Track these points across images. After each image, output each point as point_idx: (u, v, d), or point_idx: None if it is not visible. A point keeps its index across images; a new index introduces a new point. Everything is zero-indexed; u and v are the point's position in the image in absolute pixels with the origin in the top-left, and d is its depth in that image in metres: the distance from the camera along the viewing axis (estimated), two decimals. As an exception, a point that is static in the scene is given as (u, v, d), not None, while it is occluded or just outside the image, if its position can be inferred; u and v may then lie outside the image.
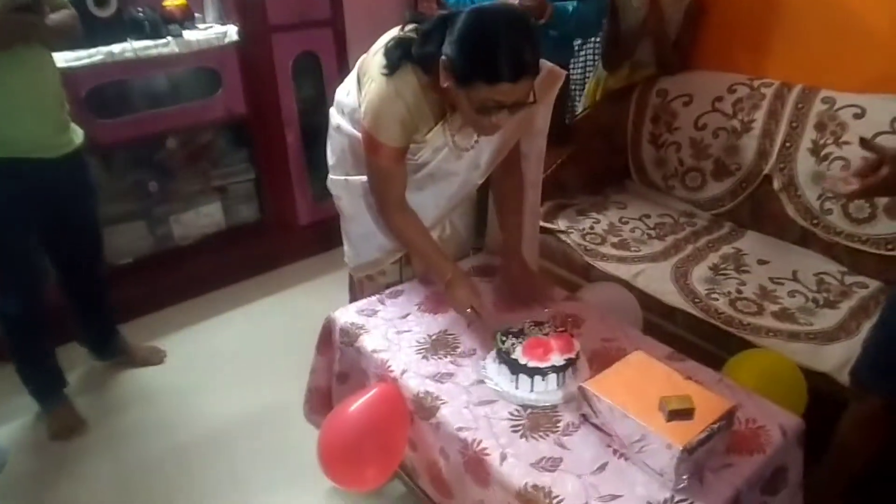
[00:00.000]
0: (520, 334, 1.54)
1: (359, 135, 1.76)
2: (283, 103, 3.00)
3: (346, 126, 1.83)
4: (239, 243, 3.13)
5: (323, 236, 3.17)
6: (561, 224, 2.54)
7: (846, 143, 2.25)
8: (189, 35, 2.76)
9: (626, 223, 2.57)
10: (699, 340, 2.03)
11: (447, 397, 1.49)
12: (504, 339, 1.54)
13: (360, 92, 1.73)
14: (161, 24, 2.73)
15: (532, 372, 1.45)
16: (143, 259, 2.95)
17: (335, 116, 1.89)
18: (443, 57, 1.46)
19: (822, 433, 1.62)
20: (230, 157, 3.13)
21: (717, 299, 2.09)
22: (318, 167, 3.11)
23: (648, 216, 2.61)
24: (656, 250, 2.38)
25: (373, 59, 1.64)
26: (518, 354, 1.49)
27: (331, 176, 1.95)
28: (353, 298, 2.11)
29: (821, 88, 2.37)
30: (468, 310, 1.66)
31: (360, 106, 1.71)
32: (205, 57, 2.81)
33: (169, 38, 2.72)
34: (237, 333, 2.80)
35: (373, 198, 1.78)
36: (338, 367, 1.80)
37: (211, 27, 2.86)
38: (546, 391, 1.46)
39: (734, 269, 2.26)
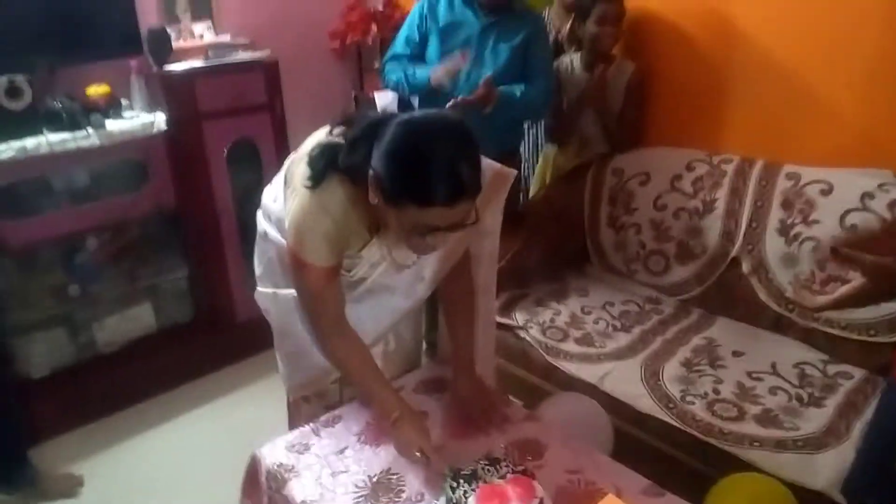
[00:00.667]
0: (472, 478, 1.32)
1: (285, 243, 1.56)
2: (217, 193, 2.80)
3: (274, 234, 1.62)
4: (170, 347, 2.86)
5: (263, 333, 2.90)
6: (519, 318, 2.35)
7: (815, 221, 2.12)
8: (113, 125, 2.56)
9: (589, 313, 2.38)
10: (677, 452, 1.82)
11: (389, 564, 1.25)
12: (454, 484, 1.31)
13: (286, 201, 1.53)
14: (81, 115, 2.53)
15: (488, 529, 1.22)
16: (61, 370, 2.65)
17: (262, 222, 1.69)
18: (372, 171, 1.27)
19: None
20: (160, 253, 2.88)
21: (693, 402, 1.89)
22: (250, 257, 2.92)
23: (612, 304, 2.43)
24: (622, 345, 2.19)
25: (297, 168, 1.44)
26: (471, 506, 1.26)
27: (259, 288, 1.73)
28: (291, 420, 1.87)
29: (784, 163, 2.27)
30: (417, 453, 1.43)
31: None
32: (130, 148, 2.61)
33: (89, 129, 2.51)
34: (166, 453, 2.50)
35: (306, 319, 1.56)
36: (267, 512, 1.54)
37: (137, 116, 2.66)
38: (505, 551, 1.23)
39: (708, 365, 2.07)
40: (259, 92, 2.82)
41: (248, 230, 2.86)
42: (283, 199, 1.55)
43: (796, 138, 2.28)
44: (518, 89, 2.26)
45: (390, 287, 1.61)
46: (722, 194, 2.34)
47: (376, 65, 3.48)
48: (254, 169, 2.91)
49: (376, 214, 1.38)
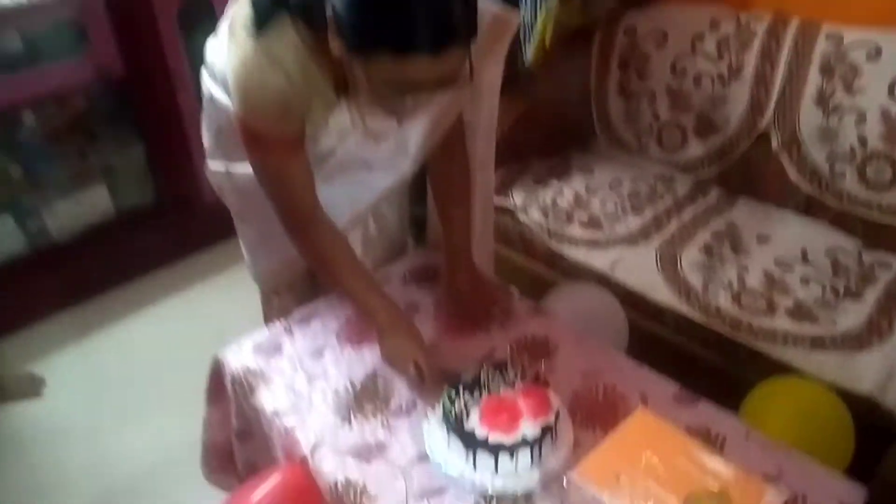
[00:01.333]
0: (475, 386, 1.11)
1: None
2: (170, 57, 2.42)
3: (222, 96, 1.31)
4: (132, 233, 2.59)
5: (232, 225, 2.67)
6: (517, 198, 2.09)
7: (860, 90, 1.84)
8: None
9: (595, 193, 2.13)
10: (701, 350, 1.63)
11: (377, 488, 1.06)
12: (454, 394, 1.10)
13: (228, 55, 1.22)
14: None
15: (495, 449, 1.02)
16: (11, 262, 2.39)
17: (207, 83, 1.36)
18: (329, 10, 0.96)
19: (864, 467, 1.25)
20: (111, 127, 2.55)
21: (718, 294, 1.68)
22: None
23: (620, 182, 2.18)
24: (634, 229, 1.96)
25: (240, 10, 1.12)
26: (474, 422, 1.05)
27: (209, 163, 1.45)
28: (267, 316, 1.64)
29: (823, 22, 1.95)
30: (410, 367, 1.21)
31: None
32: (62, 7, 2.23)
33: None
34: (132, 348, 2.29)
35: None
36: (235, 422, 1.34)
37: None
38: (516, 474, 1.04)
39: (731, 251, 1.85)
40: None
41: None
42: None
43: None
44: None
45: (367, 161, 1.34)
46: (751, 58, 2.03)
47: None
48: (211, 28, 2.53)
49: (341, 68, 1.07)
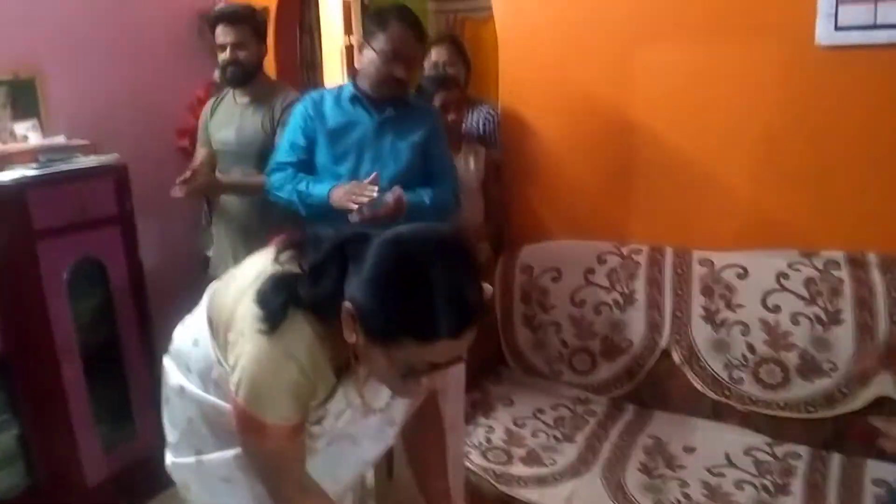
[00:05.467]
0: None
1: (214, 400, 1.23)
2: (57, 328, 2.24)
3: (194, 389, 1.26)
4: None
5: (121, 495, 2.37)
6: (451, 440, 2.08)
7: (739, 305, 2.13)
8: None
9: (523, 426, 2.17)
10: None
11: None
12: None
13: (214, 342, 1.20)
14: None
15: None
16: None
17: (174, 373, 1.30)
18: (346, 303, 1.01)
19: None
20: (-20, 408, 2.25)
21: (673, 514, 1.74)
22: (107, 405, 2.40)
23: (542, 410, 2.25)
24: (572, 459, 2.00)
25: (238, 305, 1.12)
26: None
27: (172, 458, 1.33)
28: None
29: (693, 249, 2.27)
30: None
31: (220, 363, 1.18)
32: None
33: None
34: None
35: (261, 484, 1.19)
36: None
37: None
38: None
39: (667, 467, 1.94)
40: (107, 202, 2.36)
41: (95, 370, 2.36)
42: (209, 341, 1.22)
43: (702, 223, 2.30)
44: (426, 195, 2.05)
45: (353, 436, 1.30)
46: (640, 286, 2.29)
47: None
48: (100, 293, 2.41)
49: (347, 353, 1.10)
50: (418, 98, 2.27)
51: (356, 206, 1.89)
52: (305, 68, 3.67)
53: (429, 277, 0.97)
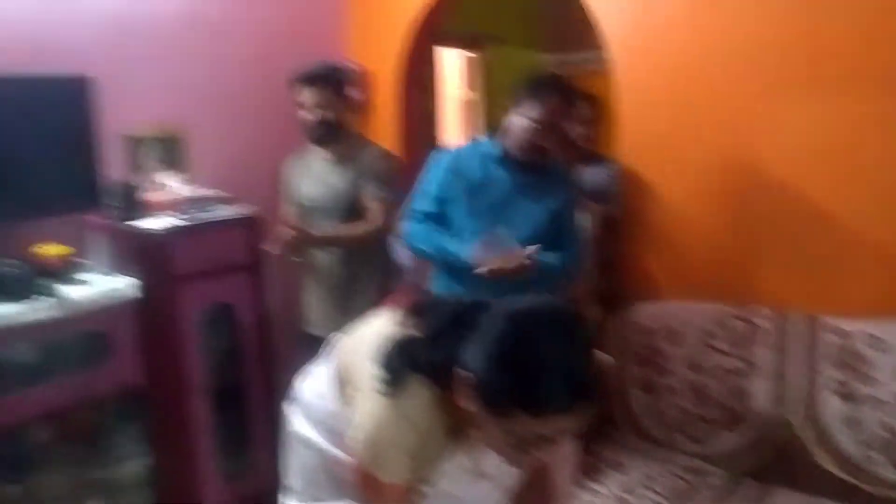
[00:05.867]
0: None
1: (336, 453, 1.28)
2: (188, 368, 2.41)
3: (317, 440, 1.33)
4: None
5: (239, 531, 2.48)
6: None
7: (874, 380, 1.98)
8: (70, 292, 2.20)
9: (633, 492, 2.10)
10: None
11: None
12: None
13: (337, 396, 1.29)
14: (32, 280, 2.17)
15: None
16: None
17: (298, 422, 1.38)
18: (462, 372, 1.06)
19: None
20: (117, 437, 2.43)
21: None
22: (228, 440, 2.53)
23: (654, 479, 2.16)
24: (687, 532, 1.92)
25: (361, 364, 1.19)
26: None
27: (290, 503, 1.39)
28: None
29: (825, 315, 2.13)
30: None
31: (342, 418, 1.23)
32: (91, 318, 2.24)
33: (44, 297, 2.14)
34: None
35: None
36: None
37: (100, 279, 2.31)
38: None
39: (791, 551, 1.82)
40: (240, 250, 2.54)
41: (221, 407, 2.50)
42: (332, 397, 1.29)
43: (836, 287, 2.17)
44: (558, 259, 2.07)
45: (462, 500, 1.32)
46: (764, 353, 2.18)
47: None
48: (229, 335, 2.57)
49: (462, 419, 1.13)
50: (557, 164, 2.27)
51: (480, 270, 1.93)
52: (422, 123, 3.82)
53: (542, 353, 1.00)
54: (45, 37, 2.43)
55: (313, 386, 1.37)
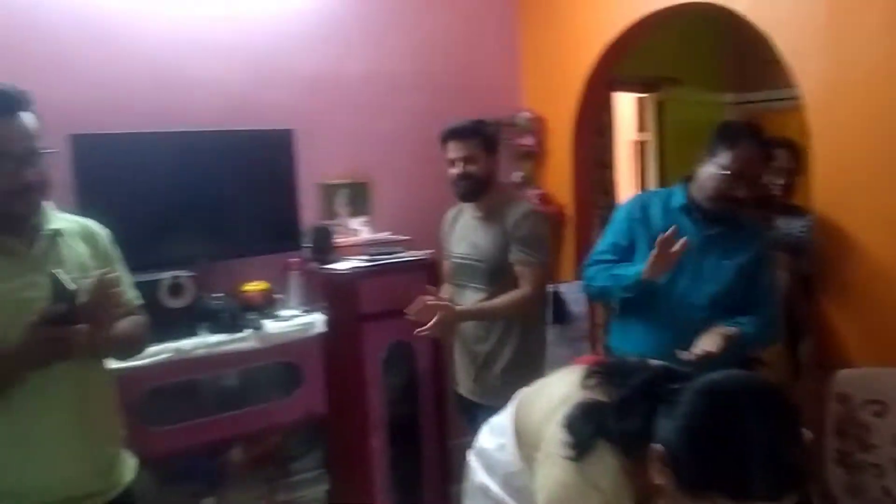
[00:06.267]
0: None
1: None
2: (369, 401, 2.55)
3: (498, 491, 1.34)
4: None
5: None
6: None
7: None
8: (271, 326, 2.41)
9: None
10: None
11: None
12: None
13: (519, 452, 1.30)
14: (239, 314, 2.40)
15: None
16: None
17: (479, 472, 1.40)
18: (657, 446, 1.02)
19: None
20: (300, 463, 2.61)
21: None
22: (402, 475, 2.61)
23: (855, 566, 1.96)
24: None
25: (546, 425, 1.19)
26: None
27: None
28: None
29: None
30: None
31: (523, 474, 1.24)
32: (285, 350, 2.43)
33: (248, 329, 2.36)
34: None
35: None
36: None
37: (294, 315, 2.51)
38: None
39: None
40: (419, 292, 2.63)
41: (396, 444, 2.60)
42: (513, 450, 1.30)
43: None
44: (747, 326, 1.96)
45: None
46: None
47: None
48: (407, 373, 2.69)
49: (651, 491, 1.09)
50: (748, 217, 2.16)
51: (686, 355, 1.85)
52: (599, 168, 3.80)
53: (747, 434, 0.95)
54: (252, 96, 2.72)
55: (494, 438, 1.39)
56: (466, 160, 2.33)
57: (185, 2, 2.59)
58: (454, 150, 2.36)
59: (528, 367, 2.27)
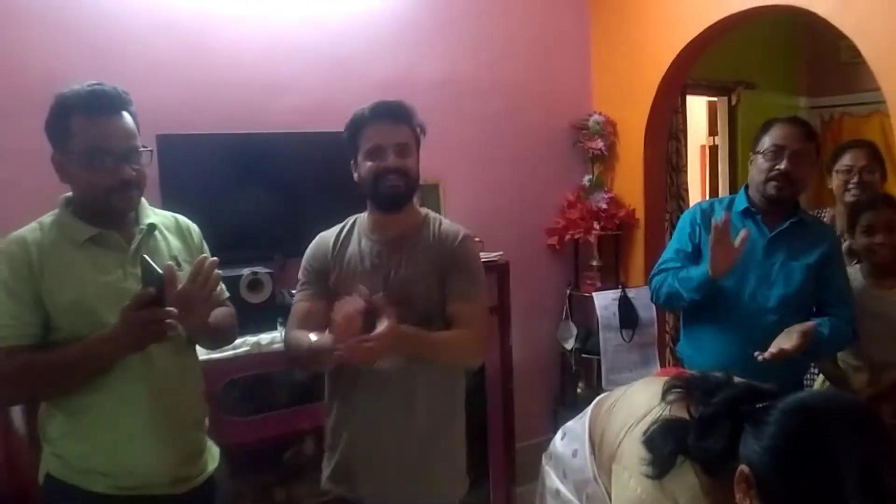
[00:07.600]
0: None
1: None
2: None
3: (569, 497, 1.35)
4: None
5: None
6: None
7: None
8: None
9: None
10: None
11: None
12: None
13: (593, 459, 1.31)
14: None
15: None
16: None
17: (551, 476, 1.42)
18: (743, 467, 0.99)
19: None
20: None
21: None
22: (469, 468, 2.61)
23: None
24: None
25: (625, 438, 1.19)
26: None
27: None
28: None
29: None
30: None
31: (596, 481, 1.27)
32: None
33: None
34: None
35: None
36: None
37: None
38: None
39: None
40: (489, 294, 2.66)
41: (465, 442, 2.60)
42: (587, 458, 1.31)
43: None
44: (822, 327, 1.91)
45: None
46: None
47: (594, 263, 3.32)
48: (474, 375, 2.68)
49: None
50: (814, 215, 2.14)
51: (763, 355, 1.80)
52: (670, 172, 3.74)
53: (840, 455, 0.92)
54: (329, 98, 2.76)
55: (567, 442, 1.39)
56: (400, 150, 1.75)
57: (267, 7, 2.66)
58: (383, 136, 1.73)
59: None
